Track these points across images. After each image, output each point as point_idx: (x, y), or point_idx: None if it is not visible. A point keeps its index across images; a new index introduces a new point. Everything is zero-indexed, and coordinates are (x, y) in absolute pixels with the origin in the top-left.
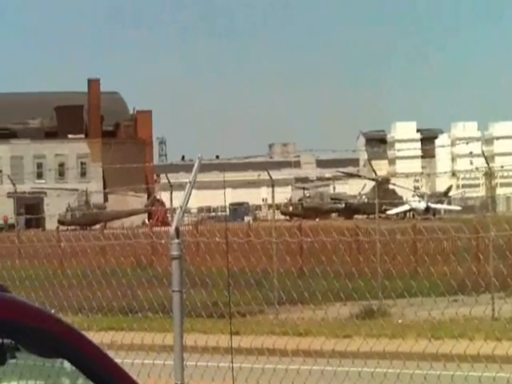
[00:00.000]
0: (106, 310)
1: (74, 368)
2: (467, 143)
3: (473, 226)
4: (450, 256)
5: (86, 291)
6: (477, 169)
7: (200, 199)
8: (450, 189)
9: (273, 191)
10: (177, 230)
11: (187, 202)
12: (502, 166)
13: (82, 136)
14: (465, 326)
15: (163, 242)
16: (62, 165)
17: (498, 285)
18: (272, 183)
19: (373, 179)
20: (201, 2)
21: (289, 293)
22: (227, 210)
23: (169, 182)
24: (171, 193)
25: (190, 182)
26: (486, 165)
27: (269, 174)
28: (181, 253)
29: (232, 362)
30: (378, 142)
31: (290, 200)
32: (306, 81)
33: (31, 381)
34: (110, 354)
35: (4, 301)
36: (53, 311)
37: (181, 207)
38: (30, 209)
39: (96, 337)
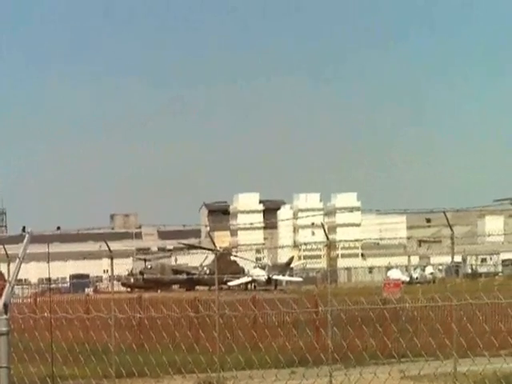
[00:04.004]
0: None
1: None
2: (306, 216)
3: (313, 298)
4: (291, 329)
5: None
6: (315, 243)
7: (41, 270)
8: (291, 260)
9: (111, 263)
10: (5, 305)
11: (16, 277)
12: (339, 241)
13: None
14: None
15: None
16: None
17: (338, 357)
18: (111, 255)
19: (212, 250)
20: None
21: (129, 366)
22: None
23: (6, 254)
24: (8, 265)
25: (19, 258)
26: (326, 236)
27: (107, 245)
28: (9, 328)
29: None
30: (220, 213)
31: (132, 271)
32: (145, 152)
33: None
34: None
35: None
36: None
37: (9, 282)
38: None
39: None
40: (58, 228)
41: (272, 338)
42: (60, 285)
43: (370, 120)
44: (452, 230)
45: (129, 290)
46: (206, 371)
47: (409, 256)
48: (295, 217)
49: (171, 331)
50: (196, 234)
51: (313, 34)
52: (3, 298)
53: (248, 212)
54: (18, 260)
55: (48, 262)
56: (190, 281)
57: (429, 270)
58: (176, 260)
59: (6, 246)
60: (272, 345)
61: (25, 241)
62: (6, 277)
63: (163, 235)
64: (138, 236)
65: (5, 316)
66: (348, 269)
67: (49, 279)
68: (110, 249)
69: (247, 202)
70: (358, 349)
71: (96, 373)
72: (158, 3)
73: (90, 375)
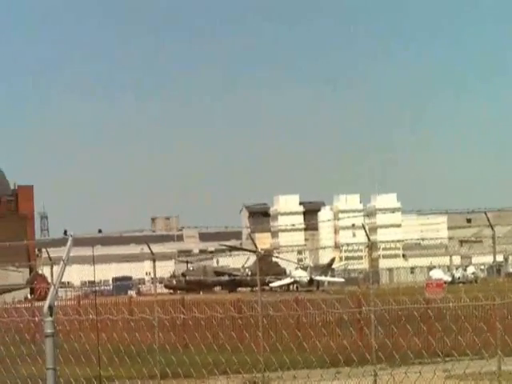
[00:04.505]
0: None
1: None
2: (346, 217)
3: (356, 298)
4: (334, 329)
5: None
6: (356, 244)
7: (84, 273)
8: (333, 261)
9: (154, 265)
10: (50, 308)
11: (60, 279)
12: (380, 242)
13: None
14: None
15: (36, 319)
16: None
17: (383, 356)
18: (153, 257)
19: (253, 251)
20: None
21: (174, 367)
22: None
23: (49, 257)
24: (51, 268)
25: (63, 260)
26: (367, 237)
27: (149, 247)
28: (54, 330)
29: None
30: (260, 215)
31: (174, 273)
32: (186, 155)
33: None
34: None
35: None
36: None
37: (54, 285)
38: None
39: None
40: (100, 231)
41: (316, 337)
42: (103, 287)
43: (408, 120)
44: (493, 229)
45: (171, 292)
46: (250, 371)
47: (450, 256)
48: (336, 218)
49: (215, 332)
50: (237, 235)
51: (318, 39)
52: (48, 300)
53: (288, 214)
54: (62, 263)
55: (93, 265)
56: (232, 282)
57: (470, 269)
58: (218, 262)
59: (48, 250)
60: (316, 344)
61: (68, 244)
62: (49, 280)
63: (204, 237)
64: (180, 238)
65: (50, 318)
66: (390, 269)
67: (93, 282)
68: (152, 251)
69: (287, 204)
70: (402, 348)
71: (141, 373)
72: (160, 5)
73: (136, 376)
